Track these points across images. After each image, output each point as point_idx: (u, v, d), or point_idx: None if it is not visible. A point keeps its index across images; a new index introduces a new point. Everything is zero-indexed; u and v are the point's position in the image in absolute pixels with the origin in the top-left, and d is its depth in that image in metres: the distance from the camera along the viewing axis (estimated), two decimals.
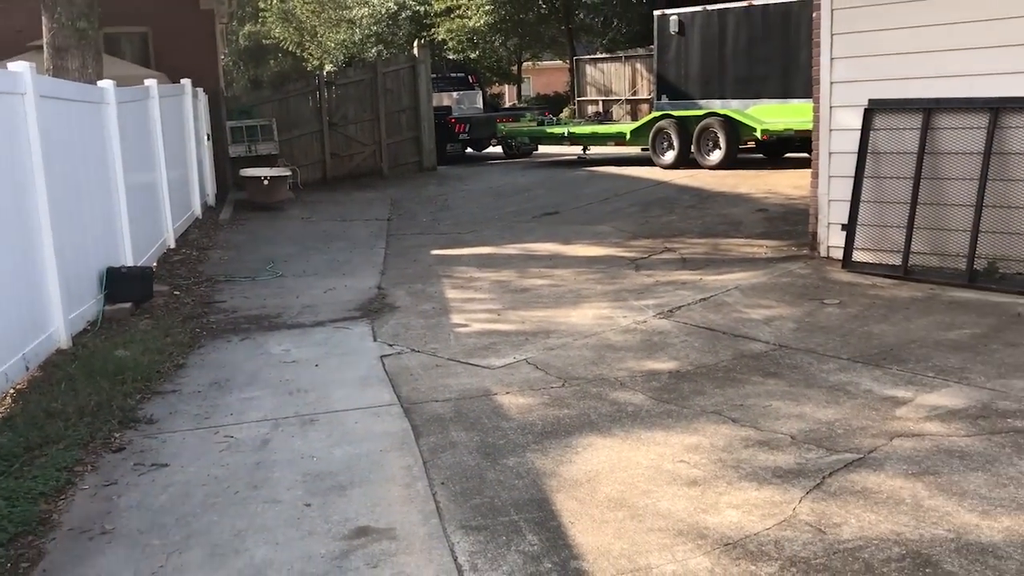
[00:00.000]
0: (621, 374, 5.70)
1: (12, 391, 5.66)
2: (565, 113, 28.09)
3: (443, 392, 5.54)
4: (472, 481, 4.20)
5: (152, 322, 7.60)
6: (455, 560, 3.48)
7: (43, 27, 11.81)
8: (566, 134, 19.37)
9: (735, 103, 17.40)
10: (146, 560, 3.61)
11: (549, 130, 20.26)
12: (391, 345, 6.73)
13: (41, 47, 13.26)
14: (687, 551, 3.46)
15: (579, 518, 3.78)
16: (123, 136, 8.95)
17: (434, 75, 21.18)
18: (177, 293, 8.87)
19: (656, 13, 19.96)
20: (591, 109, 27.31)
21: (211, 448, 4.80)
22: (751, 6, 18.20)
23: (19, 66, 6.46)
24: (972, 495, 3.77)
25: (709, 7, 18.81)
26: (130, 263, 8.83)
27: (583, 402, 5.21)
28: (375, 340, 6.92)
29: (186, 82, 14.05)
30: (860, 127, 7.86)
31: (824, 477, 4.03)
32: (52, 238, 6.57)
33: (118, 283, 8.05)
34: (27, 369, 6.00)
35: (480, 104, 24.61)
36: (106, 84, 8.93)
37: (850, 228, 7.99)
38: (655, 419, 4.89)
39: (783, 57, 16.90)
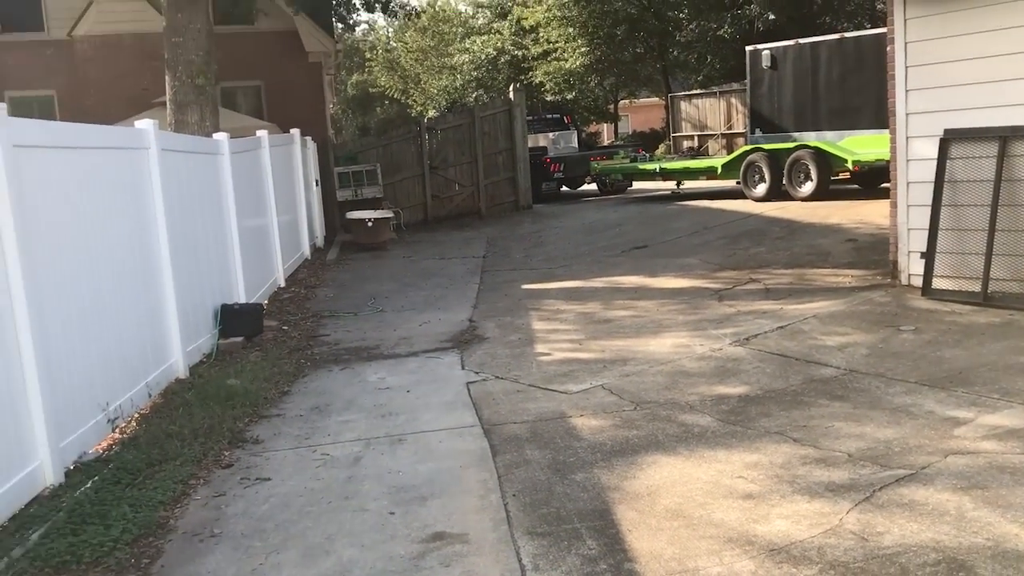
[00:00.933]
0: (691, 398, 5.97)
1: (137, 415, 6.31)
2: (660, 149, 28.33)
3: (521, 415, 5.92)
4: (541, 493, 4.55)
5: (261, 354, 8.24)
6: (519, 561, 3.84)
7: (166, 85, 12.88)
8: (658, 170, 19.64)
9: (828, 135, 17.38)
10: (248, 559, 4.09)
11: (641, 166, 20.57)
12: (477, 373, 7.15)
13: (163, 103, 14.44)
14: (734, 556, 3.73)
15: (636, 527, 4.08)
16: (236, 184, 9.71)
17: (530, 117, 21.82)
18: (285, 328, 9.53)
19: (748, 48, 20.13)
20: (686, 144, 27.47)
21: (309, 464, 5.29)
22: (843, 38, 18.22)
23: (144, 123, 7.24)
24: (1017, 507, 3.92)
25: (801, 41, 18.89)
26: (243, 300, 9.55)
27: (652, 424, 5.51)
28: (463, 368, 7.36)
29: (295, 132, 14.98)
30: (936, 156, 7.95)
31: (874, 491, 4.22)
32: (172, 278, 7.26)
33: (231, 319, 8.74)
34: (150, 396, 6.65)
35: (575, 143, 25.11)
36: (220, 136, 9.73)
37: (929, 256, 8.06)
38: (719, 439, 5.15)
39: (875, 88, 16.75)
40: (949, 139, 7.89)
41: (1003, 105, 7.51)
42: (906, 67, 8.20)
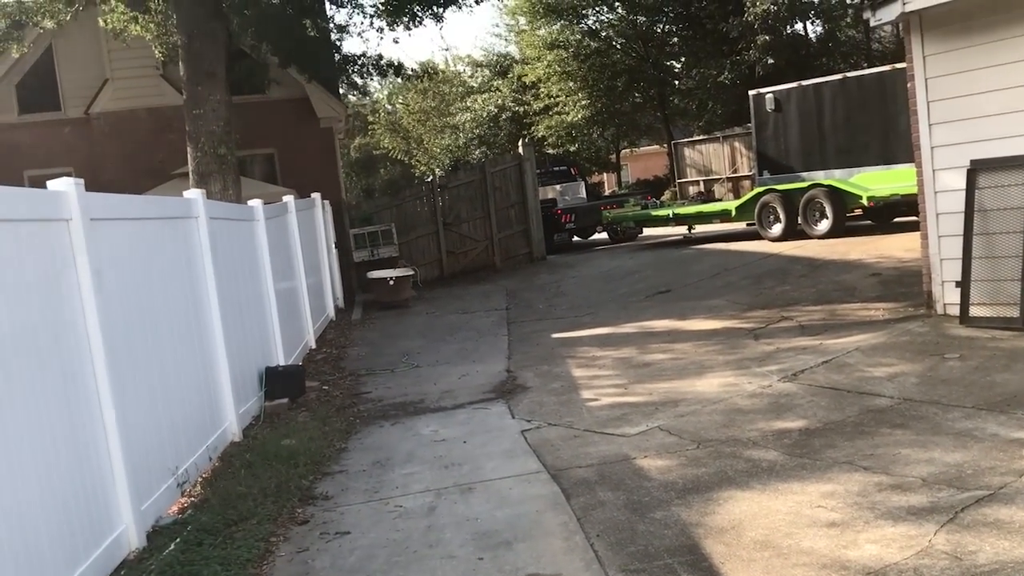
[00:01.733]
0: (752, 434, 6.05)
1: (200, 478, 6.38)
2: (667, 195, 28.65)
3: (584, 459, 5.99)
4: (624, 532, 4.62)
5: (309, 414, 8.32)
6: None
7: (188, 156, 13.14)
8: (671, 215, 19.88)
9: (838, 173, 17.64)
10: None
11: (654, 213, 20.82)
12: (529, 421, 7.24)
13: (183, 174, 14.72)
14: None
15: (728, 559, 4.15)
16: (271, 248, 9.89)
17: (538, 170, 22.13)
18: (326, 388, 9.62)
19: (751, 93, 20.49)
20: (692, 190, 27.79)
21: (384, 516, 5.36)
22: (845, 78, 18.58)
23: (192, 193, 7.42)
24: None
25: (804, 83, 19.25)
26: (283, 363, 9.66)
27: (718, 461, 5.58)
28: (513, 417, 7.45)
29: (316, 195, 15.22)
30: (964, 187, 8.12)
31: (957, 512, 4.30)
32: (224, 342, 7.38)
33: (275, 381, 8.84)
34: (210, 459, 6.73)
35: (583, 194, 25.44)
36: (255, 203, 9.92)
37: (964, 284, 8.18)
38: (789, 472, 5.22)
39: (882, 124, 17.12)
40: (976, 169, 8.07)
41: None
42: (928, 102, 8.40)
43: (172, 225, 6.76)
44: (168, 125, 17.56)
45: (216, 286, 7.38)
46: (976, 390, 6.33)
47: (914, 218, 13.30)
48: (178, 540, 5.06)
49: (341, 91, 21.12)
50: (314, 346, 12.27)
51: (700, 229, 20.65)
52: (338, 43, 17.93)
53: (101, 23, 14.33)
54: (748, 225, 18.36)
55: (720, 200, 23.94)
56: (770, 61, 26.06)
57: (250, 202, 10.00)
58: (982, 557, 3.81)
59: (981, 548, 3.89)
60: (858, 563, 3.92)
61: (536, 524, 4.92)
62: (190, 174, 13.08)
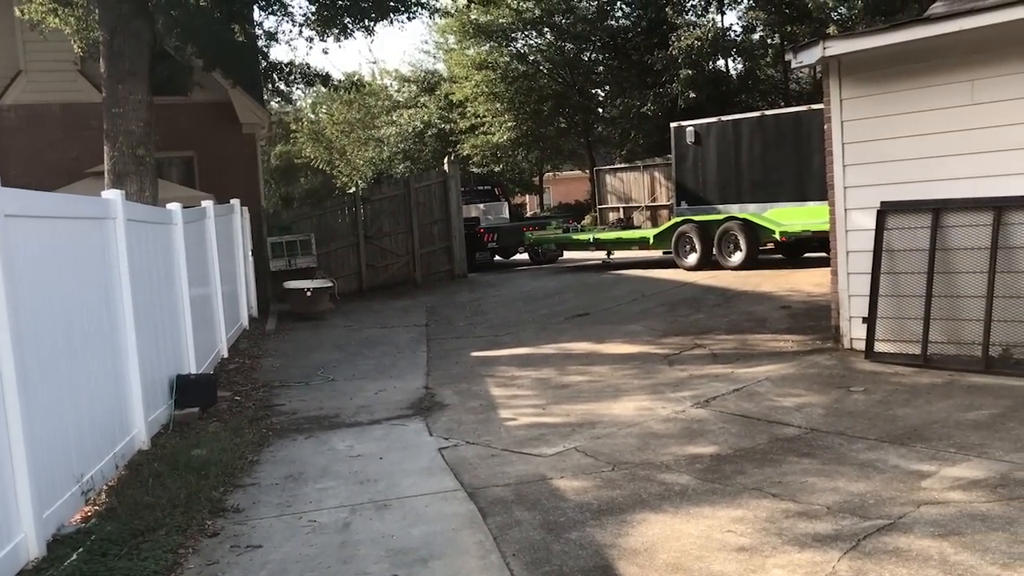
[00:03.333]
0: (666, 458, 6.17)
1: (106, 487, 6.18)
2: (587, 220, 29.05)
3: (502, 478, 6.02)
4: (540, 552, 4.66)
5: (220, 424, 8.15)
6: None
7: (105, 155, 12.77)
8: (592, 240, 20.16)
9: (752, 207, 18.17)
10: None
11: (575, 237, 21.08)
12: (446, 439, 7.23)
13: (97, 173, 14.29)
14: None
15: None
16: (188, 253, 9.69)
17: (462, 188, 22.20)
18: (238, 398, 9.44)
19: (673, 125, 20.98)
20: (612, 216, 28.24)
21: (298, 531, 5.28)
22: (764, 116, 19.19)
23: (111, 193, 7.24)
24: (994, 551, 4.20)
25: (724, 118, 19.80)
26: (194, 371, 9.45)
27: (633, 483, 5.68)
28: (431, 435, 7.43)
29: (235, 202, 14.97)
30: (874, 227, 8.48)
31: (859, 540, 4.46)
32: (136, 347, 7.20)
33: (186, 389, 8.64)
34: (117, 468, 6.53)
35: (506, 214, 25.62)
36: (174, 207, 9.72)
37: (870, 321, 8.52)
38: (701, 496, 5.35)
39: (797, 162, 17.73)
40: (886, 211, 8.43)
41: (935, 180, 8.09)
42: (843, 143, 8.75)
43: (89, 225, 6.58)
44: (84, 122, 17.03)
45: (131, 289, 7.19)
46: (879, 423, 6.59)
47: (824, 254, 13.82)
48: (81, 550, 4.90)
49: (265, 97, 20.85)
50: (226, 355, 12.03)
51: (619, 255, 20.99)
52: (265, 49, 17.62)
53: (17, 12, 13.87)
54: (665, 253, 18.74)
55: (639, 228, 24.38)
56: (692, 95, 26.73)
57: (169, 205, 9.78)
58: None
59: (881, 575, 4.05)
60: None
61: (452, 542, 4.92)
62: (106, 174, 12.71)
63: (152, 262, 8.34)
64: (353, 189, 28.03)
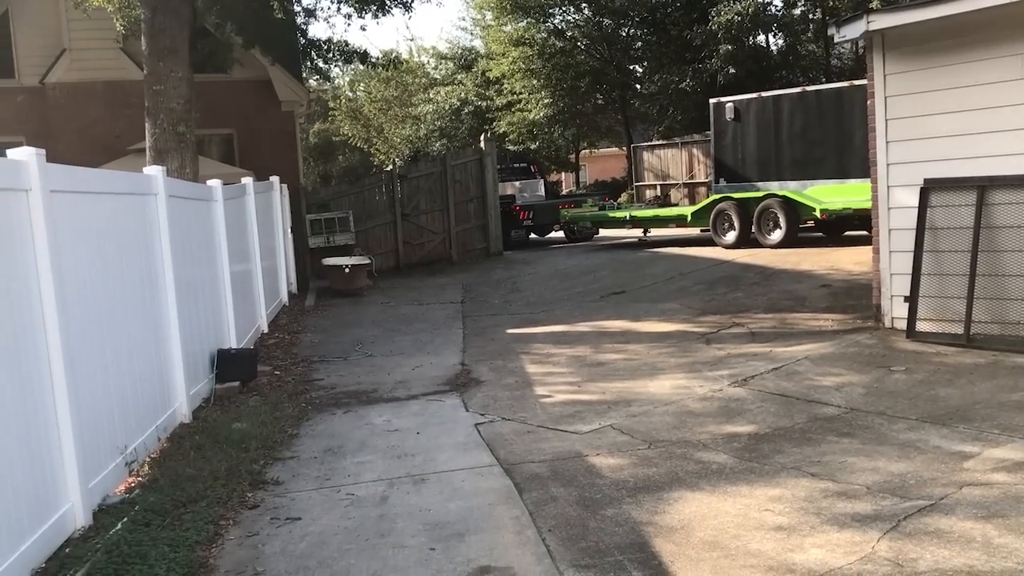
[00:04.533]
0: (703, 437, 6.15)
1: (148, 459, 6.30)
2: (623, 198, 28.86)
3: (538, 455, 6.04)
4: (576, 528, 4.67)
5: (260, 399, 8.26)
6: None
7: (146, 132, 12.91)
8: (628, 217, 20.04)
9: (793, 184, 17.92)
10: None
11: (611, 214, 20.97)
12: (483, 415, 7.26)
13: (139, 150, 14.46)
14: None
15: (677, 558, 4.22)
16: (228, 230, 9.79)
17: (498, 166, 22.16)
18: (278, 373, 9.55)
19: (712, 101, 20.71)
20: (649, 193, 28.03)
21: (336, 504, 5.35)
22: (804, 91, 18.86)
23: (153, 170, 7.33)
24: None
25: (764, 94, 19.51)
26: (235, 346, 9.57)
27: (669, 461, 5.67)
28: (467, 410, 7.47)
29: (275, 179, 15.08)
30: (917, 205, 8.33)
31: (899, 520, 4.42)
32: (178, 321, 7.30)
33: (227, 364, 8.75)
34: (159, 440, 6.65)
35: (542, 192, 25.54)
36: (215, 183, 9.81)
37: (912, 300, 8.39)
38: (739, 475, 5.32)
39: (838, 139, 17.44)
40: (929, 188, 8.28)
41: (980, 156, 7.92)
42: (886, 120, 8.60)
43: (132, 201, 6.66)
44: (126, 99, 17.24)
45: (172, 265, 7.29)
46: (921, 403, 6.50)
47: (865, 232, 13.60)
48: (125, 520, 5.00)
49: (304, 75, 20.93)
50: (266, 330, 12.16)
51: (656, 233, 20.85)
52: (304, 27, 17.69)
53: None
54: (703, 231, 18.59)
55: (676, 205, 24.19)
56: (731, 71, 26.36)
57: (209, 182, 9.88)
58: (922, 565, 3.92)
59: (922, 556, 4.01)
60: (803, 566, 4.02)
61: (488, 517, 4.96)
62: (147, 150, 12.85)
63: (193, 238, 8.43)
64: (390, 167, 28.08)
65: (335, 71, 38.96)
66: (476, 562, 4.34)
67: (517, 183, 25.25)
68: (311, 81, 29.62)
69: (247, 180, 12.22)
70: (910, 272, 8.41)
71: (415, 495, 5.41)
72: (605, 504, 4.99)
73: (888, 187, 8.72)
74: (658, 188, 28.04)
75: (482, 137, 21.45)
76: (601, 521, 4.74)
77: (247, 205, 11.88)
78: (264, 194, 13.78)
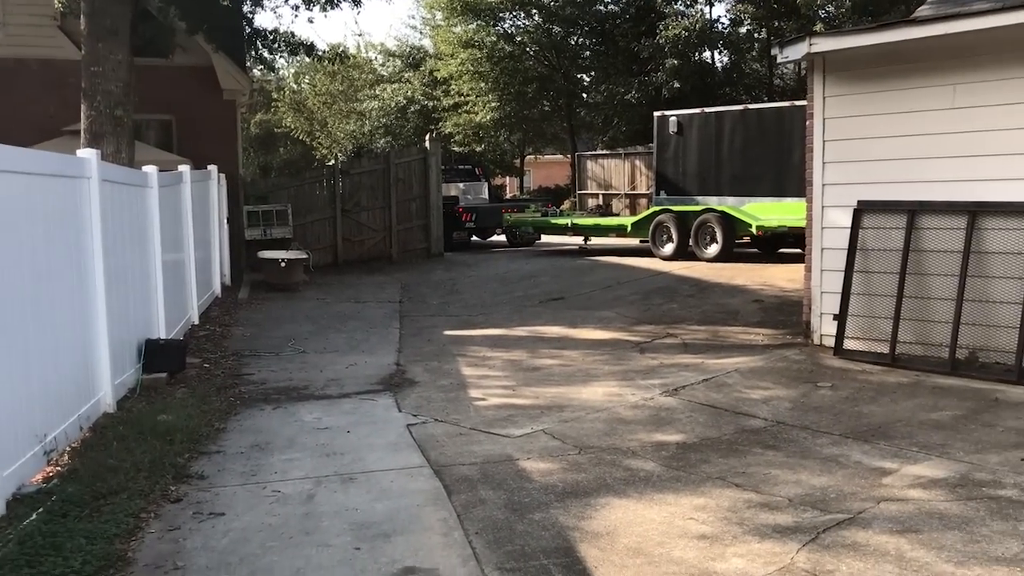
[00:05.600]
0: (632, 444, 6.21)
1: (69, 448, 6.13)
2: (566, 205, 29.07)
3: (468, 457, 6.03)
4: (503, 531, 4.68)
5: (188, 391, 8.10)
6: None
7: (82, 114, 12.58)
8: (570, 225, 20.18)
9: (731, 200, 18.25)
10: None
11: (553, 221, 21.09)
12: (415, 415, 7.23)
13: (74, 132, 14.09)
14: None
15: (602, 563, 4.25)
16: (162, 217, 9.60)
17: (443, 166, 22.11)
18: (207, 366, 9.38)
19: (656, 114, 20.98)
20: (591, 202, 28.26)
21: (261, 500, 5.27)
22: (747, 109, 19.24)
23: (86, 153, 7.14)
24: (949, 549, 4.27)
25: (707, 109, 19.84)
26: (163, 336, 9.37)
27: (599, 467, 5.71)
28: (400, 411, 7.43)
29: (213, 168, 14.82)
30: (850, 226, 8.54)
31: (818, 533, 4.52)
32: (105, 309, 7.12)
33: (155, 354, 8.56)
34: (81, 429, 6.48)
35: (486, 195, 25.56)
36: (150, 169, 9.61)
37: (841, 318, 8.59)
38: (665, 483, 5.39)
39: (777, 157, 17.80)
40: (862, 210, 8.49)
41: (913, 181, 8.16)
42: (824, 141, 8.80)
43: (63, 183, 6.48)
44: (62, 79, 16.74)
45: (103, 250, 7.11)
46: (844, 419, 6.66)
47: (798, 250, 13.90)
48: (41, 510, 4.86)
49: (248, 64, 20.61)
50: (197, 322, 11.94)
51: (596, 241, 21.01)
52: (250, 15, 17.39)
53: None
54: (642, 242, 18.79)
55: (617, 215, 24.43)
56: (676, 85, 26.76)
57: (145, 168, 9.67)
58: None
59: (838, 568, 4.10)
60: (724, 575, 4.08)
61: (416, 518, 4.93)
62: (82, 133, 12.52)
63: (125, 224, 8.24)
64: (332, 161, 27.83)
65: (280, 62, 38.51)
66: (401, 563, 4.32)
67: (461, 185, 25.23)
68: (255, 71, 29.21)
69: (184, 168, 12.00)
70: (840, 291, 8.61)
71: (342, 494, 5.36)
72: (533, 508, 5.01)
73: (823, 207, 8.92)
74: (600, 197, 28.28)
75: (427, 137, 21.41)
76: (528, 525, 4.76)
77: (183, 194, 11.66)
78: (201, 183, 13.54)
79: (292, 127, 39.04)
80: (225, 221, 16.53)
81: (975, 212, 7.80)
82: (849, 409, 6.93)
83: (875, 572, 4.05)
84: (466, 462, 5.91)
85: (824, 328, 8.98)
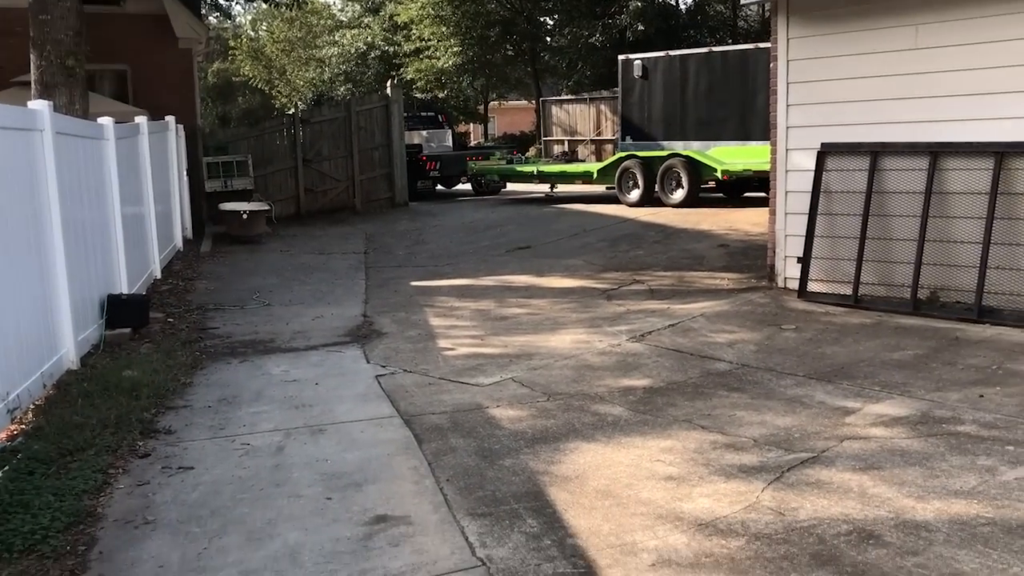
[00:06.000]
0: (600, 390, 6.26)
1: (33, 406, 6.06)
2: (531, 152, 28.90)
3: (438, 406, 6.05)
4: (474, 478, 4.72)
5: (152, 346, 8.03)
6: (466, 540, 3.99)
7: (31, 64, 12.22)
8: (535, 172, 20.08)
9: (696, 144, 18.24)
10: (190, 544, 4.07)
11: (519, 168, 20.97)
12: (384, 366, 7.23)
13: (25, 83, 13.68)
14: (666, 530, 4.00)
15: (571, 506, 4.31)
16: (120, 170, 9.41)
17: (405, 114, 21.84)
18: (171, 320, 9.29)
19: (620, 57, 20.83)
20: (557, 149, 28.12)
21: (231, 454, 5.26)
22: (711, 52, 19.14)
23: (38, 104, 6.95)
24: (910, 484, 4.37)
25: (672, 52, 19.71)
26: (126, 291, 9.25)
27: (567, 413, 5.76)
28: (368, 362, 7.42)
29: (170, 119, 14.53)
30: (814, 168, 8.58)
31: (783, 472, 4.60)
32: (65, 264, 7.00)
33: (118, 309, 8.46)
34: (44, 387, 6.40)
35: (449, 143, 25.32)
36: (106, 121, 9.39)
37: (805, 261, 8.67)
38: (633, 427, 5.45)
39: (741, 101, 17.79)
40: (826, 152, 8.53)
41: (875, 123, 8.19)
42: (788, 83, 8.79)
43: (15, 136, 6.30)
44: (8, 28, 16.18)
45: (59, 205, 6.96)
46: (808, 360, 6.76)
47: (763, 194, 13.96)
48: (7, 468, 4.81)
49: (203, 12, 20.12)
50: (160, 276, 11.79)
51: (562, 189, 20.96)
52: None
53: None
54: (608, 188, 18.78)
55: (583, 161, 24.34)
56: (641, 27, 26.53)
57: (101, 120, 9.45)
58: (802, 514, 4.10)
59: (802, 506, 4.19)
60: (691, 515, 4.15)
61: (386, 467, 4.95)
62: (33, 84, 12.18)
63: (82, 178, 8.07)
64: (292, 110, 27.39)
65: (237, 9, 37.64)
66: (373, 511, 4.34)
67: (424, 132, 24.96)
68: (211, 18, 28.54)
69: (141, 119, 11.75)
70: (803, 234, 8.67)
71: (312, 445, 5.36)
72: (503, 455, 5.05)
73: (787, 150, 8.95)
74: (566, 144, 28.14)
75: (389, 83, 21.09)
76: (499, 471, 4.80)
77: (140, 145, 11.43)
78: (159, 134, 13.28)
79: (250, 76, 38.33)
80: (185, 173, 16.26)
81: (937, 153, 7.86)
82: (813, 350, 7.03)
83: (838, 509, 4.14)
84: (436, 411, 5.93)
85: (788, 271, 9.06)
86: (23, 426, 5.66)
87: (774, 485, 4.44)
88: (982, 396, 5.69)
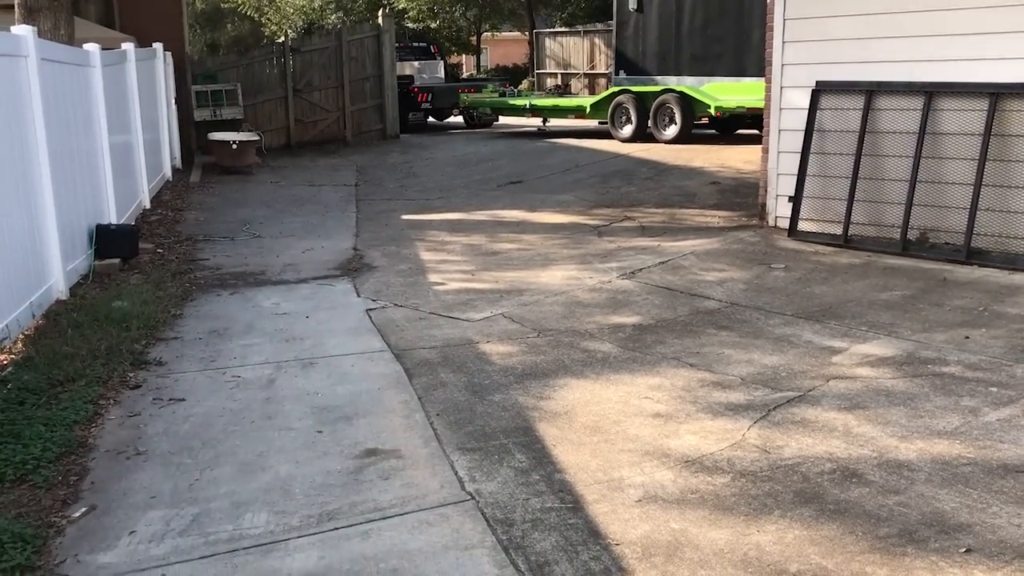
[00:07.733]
0: (590, 326, 6.29)
1: (22, 336, 6.07)
2: (524, 85, 28.55)
3: (429, 341, 6.08)
4: (464, 413, 4.76)
5: (142, 277, 8.01)
6: (456, 474, 4.04)
7: None
8: (528, 106, 19.85)
9: (690, 80, 18.03)
10: (182, 475, 4.11)
11: (511, 102, 20.73)
12: (374, 300, 7.23)
13: (6, 7, 13.37)
14: (653, 466, 4.06)
15: (560, 442, 4.36)
16: (107, 98, 9.27)
17: (397, 44, 21.48)
18: (161, 251, 9.25)
19: None
20: (550, 82, 27.80)
21: (222, 386, 5.29)
22: None
23: (22, 29, 6.81)
24: (894, 424, 4.43)
25: None
26: (115, 222, 9.19)
27: (557, 350, 5.79)
28: (359, 296, 7.42)
29: (158, 46, 14.27)
30: (808, 106, 8.51)
31: (769, 410, 4.66)
32: (52, 194, 6.94)
33: (107, 240, 8.42)
34: (33, 317, 6.40)
35: (442, 74, 24.97)
36: (92, 47, 9.22)
37: (796, 200, 8.66)
38: (622, 364, 5.49)
39: (736, 36, 17.55)
40: (820, 90, 8.45)
41: (870, 61, 8.10)
42: (784, 19, 8.67)
43: None
44: None
45: (45, 133, 6.88)
46: (796, 299, 6.79)
47: (756, 131, 13.89)
48: None
49: None
50: (149, 206, 11.72)
51: (555, 123, 20.75)
52: None
53: None
54: (601, 123, 18.60)
55: (576, 95, 24.07)
56: None
57: (87, 46, 9.28)
58: (787, 452, 4.17)
59: (787, 444, 4.25)
60: (678, 451, 4.21)
61: (377, 401, 4.99)
62: (16, 8, 11.89)
63: (69, 106, 7.96)
64: (282, 39, 26.87)
65: None
66: (363, 445, 4.39)
67: (416, 63, 24.58)
68: None
69: (128, 46, 11.54)
70: (796, 173, 8.64)
71: (303, 379, 5.39)
72: (493, 390, 5.09)
73: (781, 88, 8.86)
74: (559, 77, 27.81)
75: (380, 12, 20.70)
76: (489, 406, 4.84)
77: (128, 73, 11.25)
78: (147, 62, 13.05)
79: (240, 2, 37.48)
80: (173, 102, 16.03)
81: (932, 93, 7.80)
82: (801, 290, 7.06)
83: (823, 447, 4.20)
84: (426, 346, 5.96)
85: (779, 210, 9.05)
86: (13, 356, 5.66)
87: (760, 423, 4.50)
88: (968, 337, 5.74)
